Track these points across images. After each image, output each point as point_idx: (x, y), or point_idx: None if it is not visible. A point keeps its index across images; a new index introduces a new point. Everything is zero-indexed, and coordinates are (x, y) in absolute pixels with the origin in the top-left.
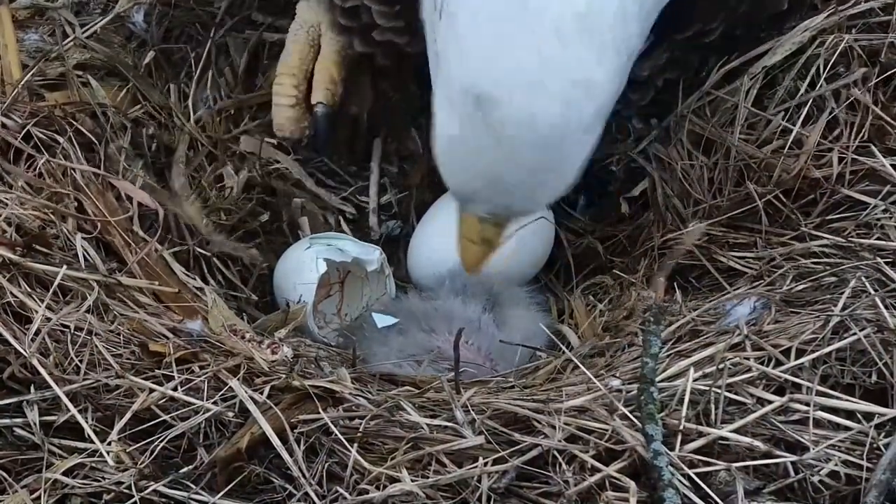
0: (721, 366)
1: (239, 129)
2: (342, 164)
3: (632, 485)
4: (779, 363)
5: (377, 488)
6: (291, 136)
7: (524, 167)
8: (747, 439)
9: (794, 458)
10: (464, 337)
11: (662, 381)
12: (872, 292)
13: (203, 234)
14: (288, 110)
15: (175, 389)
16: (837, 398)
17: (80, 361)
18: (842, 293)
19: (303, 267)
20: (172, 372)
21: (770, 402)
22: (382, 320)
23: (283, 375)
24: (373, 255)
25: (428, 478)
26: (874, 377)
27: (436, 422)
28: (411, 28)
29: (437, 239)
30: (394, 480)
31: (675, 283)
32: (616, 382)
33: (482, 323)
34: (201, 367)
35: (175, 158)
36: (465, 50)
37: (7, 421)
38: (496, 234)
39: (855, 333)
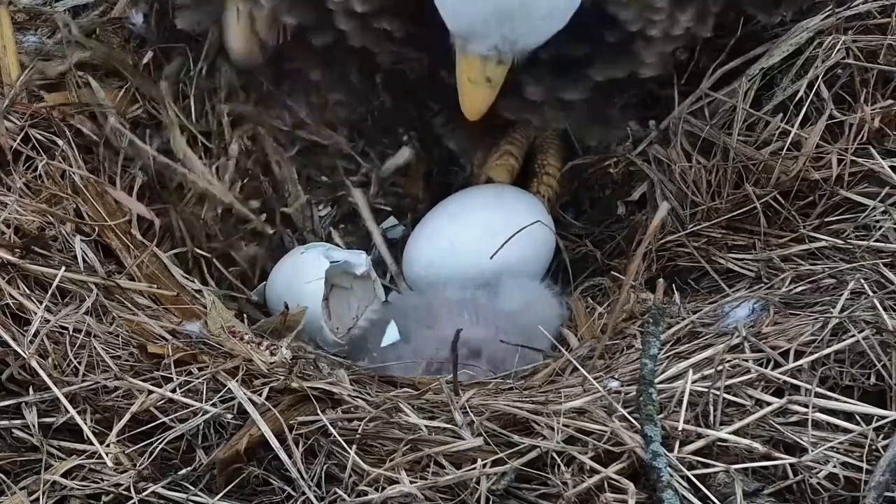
0: (720, 367)
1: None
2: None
3: (630, 486)
4: (777, 365)
5: (376, 490)
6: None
7: None
8: (746, 441)
9: (793, 459)
10: (467, 315)
11: (661, 382)
12: (871, 294)
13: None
14: None
15: (174, 391)
16: (836, 400)
17: (79, 363)
18: (840, 295)
19: (301, 272)
20: (171, 374)
21: (769, 404)
22: (388, 338)
23: (282, 377)
24: (360, 259)
25: (427, 479)
26: (873, 379)
27: (434, 423)
28: None
29: (433, 241)
30: (392, 482)
31: (673, 285)
32: (615, 384)
33: (483, 299)
34: (200, 369)
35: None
36: None
37: (6, 422)
38: (499, 72)
39: (854, 335)
